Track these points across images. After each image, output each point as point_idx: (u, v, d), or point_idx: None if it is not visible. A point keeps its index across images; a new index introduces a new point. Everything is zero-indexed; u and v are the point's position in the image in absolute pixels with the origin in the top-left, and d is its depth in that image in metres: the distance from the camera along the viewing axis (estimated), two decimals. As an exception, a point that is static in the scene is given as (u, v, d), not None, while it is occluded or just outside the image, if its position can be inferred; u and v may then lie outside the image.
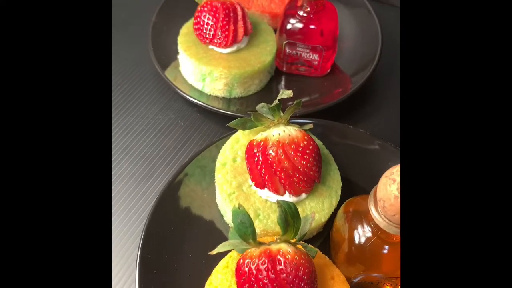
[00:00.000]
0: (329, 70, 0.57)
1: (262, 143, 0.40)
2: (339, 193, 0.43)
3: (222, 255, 0.37)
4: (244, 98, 0.54)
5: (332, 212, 0.42)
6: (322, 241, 0.43)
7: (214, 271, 0.37)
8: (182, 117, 0.55)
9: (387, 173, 0.30)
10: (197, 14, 0.52)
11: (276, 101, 0.40)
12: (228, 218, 0.43)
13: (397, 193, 0.29)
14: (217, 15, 0.51)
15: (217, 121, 0.53)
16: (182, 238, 0.42)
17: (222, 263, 0.37)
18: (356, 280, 0.37)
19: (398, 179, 0.29)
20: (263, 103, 0.41)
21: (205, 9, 0.51)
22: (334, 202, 0.42)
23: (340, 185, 0.43)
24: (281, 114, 0.41)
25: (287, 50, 0.55)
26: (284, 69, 0.57)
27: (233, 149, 0.44)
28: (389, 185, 0.29)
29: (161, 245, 0.41)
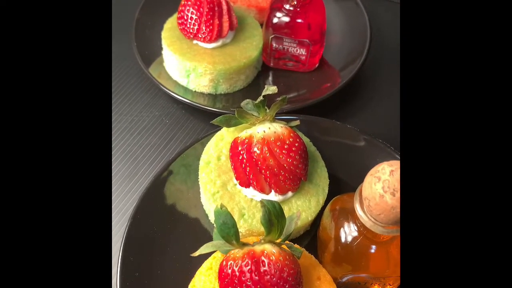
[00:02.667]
0: (317, 65, 0.56)
1: (247, 140, 0.39)
2: (326, 191, 0.42)
3: (207, 256, 0.36)
4: (230, 95, 0.53)
5: (320, 211, 0.41)
6: (310, 240, 0.43)
7: (197, 272, 0.36)
8: (166, 115, 0.53)
9: (372, 171, 0.29)
10: (180, 8, 0.51)
11: (261, 97, 0.39)
12: (213, 217, 0.42)
13: (382, 192, 0.28)
14: (201, 9, 0.49)
15: (202, 118, 0.52)
16: (166, 238, 0.41)
17: (206, 264, 0.36)
18: (343, 280, 0.36)
19: (383, 177, 0.28)
20: (247, 100, 0.40)
21: (189, 3, 0.50)
22: (321, 200, 0.41)
23: (328, 182, 0.42)
24: (267, 110, 0.40)
25: (274, 45, 0.53)
26: (272, 64, 0.56)
27: (218, 147, 0.43)
28: (374, 184, 0.28)
29: (144, 246, 0.40)
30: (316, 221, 0.42)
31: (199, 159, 0.43)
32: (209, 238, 0.42)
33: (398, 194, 0.27)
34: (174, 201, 0.43)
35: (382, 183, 0.28)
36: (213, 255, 0.37)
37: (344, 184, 0.44)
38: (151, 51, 0.55)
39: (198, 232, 0.42)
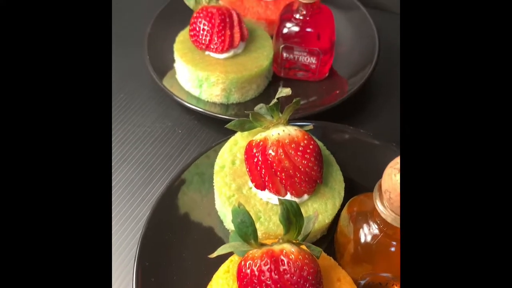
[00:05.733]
0: (327, 74, 0.57)
1: (262, 143, 0.39)
2: (342, 194, 0.41)
3: (222, 261, 0.36)
4: (242, 104, 0.54)
5: (336, 214, 0.40)
6: (327, 245, 0.42)
7: (214, 276, 0.35)
8: (179, 125, 0.54)
9: (391, 163, 0.29)
10: (192, 20, 0.52)
11: (275, 100, 0.39)
12: (228, 223, 0.42)
13: (404, 183, 0.27)
14: (213, 21, 0.51)
15: (215, 128, 0.53)
16: (180, 244, 0.41)
17: (223, 267, 0.36)
18: (363, 281, 0.36)
19: (403, 168, 0.28)
20: (261, 104, 0.40)
21: (201, 15, 0.51)
22: (338, 203, 0.40)
23: (343, 186, 0.42)
24: (280, 114, 0.40)
25: (285, 55, 0.54)
26: (282, 74, 0.57)
27: (232, 152, 0.43)
28: (394, 175, 0.28)
29: (159, 252, 0.40)
30: (333, 226, 0.41)
31: (212, 167, 0.43)
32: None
33: (419, 184, 0.27)
34: (188, 208, 0.43)
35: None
36: (230, 258, 0.36)
37: (360, 187, 0.44)
38: (164, 64, 0.56)
39: (213, 238, 0.42)
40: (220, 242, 0.42)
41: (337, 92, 0.54)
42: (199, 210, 0.43)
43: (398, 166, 0.28)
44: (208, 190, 0.44)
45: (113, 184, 0.48)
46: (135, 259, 0.38)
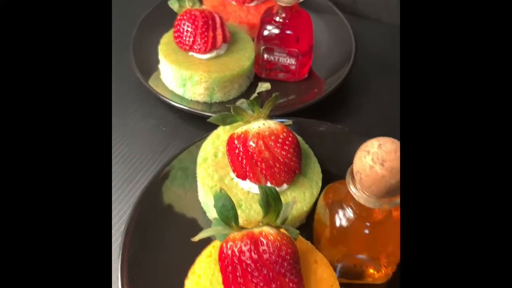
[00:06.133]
0: (306, 75, 0.59)
1: (243, 135, 0.41)
2: (320, 184, 0.43)
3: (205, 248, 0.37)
4: (224, 103, 0.56)
5: (314, 203, 0.42)
6: (306, 234, 0.43)
7: (197, 260, 0.37)
8: (164, 123, 0.55)
9: (361, 147, 0.31)
10: (176, 22, 0.54)
11: (255, 94, 0.41)
12: (211, 213, 0.43)
13: (372, 163, 0.30)
14: (196, 23, 0.53)
15: (198, 125, 0.54)
16: (164, 235, 0.42)
17: (205, 252, 0.37)
18: (340, 264, 0.37)
19: (372, 150, 0.30)
20: (242, 99, 0.43)
21: (185, 17, 0.53)
22: (315, 192, 0.42)
23: (321, 176, 0.44)
24: (260, 109, 0.42)
25: (265, 56, 0.57)
26: (264, 75, 0.59)
27: (214, 145, 0.44)
28: (364, 157, 0.30)
29: (144, 242, 0.41)
30: (311, 216, 0.43)
31: (195, 162, 0.44)
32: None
33: (387, 164, 0.29)
34: (172, 201, 0.45)
35: (372, 155, 0.30)
36: (212, 243, 0.38)
37: (336, 178, 0.45)
38: (149, 66, 0.58)
39: (196, 228, 0.43)
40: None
41: (315, 91, 0.56)
42: (183, 202, 0.45)
43: (368, 148, 0.30)
44: (191, 184, 0.46)
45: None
46: (120, 249, 0.39)
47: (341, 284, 0.35)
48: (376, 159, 0.29)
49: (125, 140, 0.53)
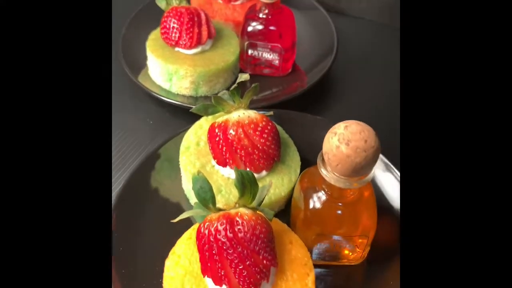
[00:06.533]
0: (290, 70, 0.61)
1: (223, 124, 0.42)
2: (298, 171, 0.45)
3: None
4: (210, 97, 0.57)
5: (292, 189, 0.44)
6: (284, 222, 0.45)
7: (177, 242, 0.38)
8: (151, 117, 0.57)
9: (330, 129, 0.33)
10: (163, 19, 0.56)
11: (235, 85, 0.43)
12: (193, 199, 0.45)
13: (338, 143, 0.31)
14: (182, 19, 0.55)
15: (184, 118, 0.56)
16: (149, 219, 0.44)
17: (185, 235, 0.39)
18: (316, 246, 0.39)
19: (338, 131, 0.32)
20: (224, 91, 0.44)
21: (171, 14, 0.55)
22: (294, 179, 0.44)
23: (299, 164, 0.46)
24: (240, 99, 0.44)
25: (249, 51, 0.58)
26: (249, 70, 0.61)
27: (197, 135, 0.46)
28: (331, 138, 0.32)
29: (128, 225, 0.42)
30: (290, 202, 0.45)
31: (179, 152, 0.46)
32: (190, 221, 0.44)
33: (352, 144, 0.31)
34: (157, 188, 0.46)
35: (338, 136, 0.32)
36: (192, 227, 0.39)
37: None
38: (137, 62, 0.60)
39: (179, 213, 0.45)
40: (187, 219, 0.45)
41: (298, 84, 0.58)
42: (167, 190, 0.47)
43: (335, 130, 0.32)
44: (176, 173, 0.48)
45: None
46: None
47: (318, 266, 0.37)
48: (342, 139, 0.31)
49: (113, 132, 0.55)
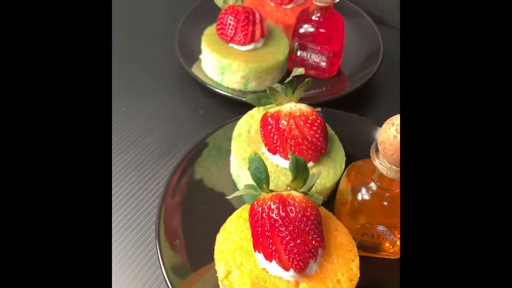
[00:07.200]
0: (335, 73, 0.63)
1: (276, 114, 0.45)
2: (343, 166, 0.47)
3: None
4: (257, 92, 0.60)
5: (337, 181, 0.46)
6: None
7: (228, 219, 0.40)
8: (201, 107, 0.60)
9: (387, 121, 0.35)
10: (220, 16, 0.59)
11: (290, 78, 0.45)
12: (241, 183, 0.47)
13: (396, 133, 0.33)
14: (238, 17, 0.58)
15: (233, 110, 0.59)
16: (196, 199, 0.46)
17: (235, 214, 0.41)
18: (358, 238, 0.40)
19: (396, 122, 0.33)
20: (277, 84, 0.47)
21: (228, 11, 0.58)
22: (339, 172, 0.46)
23: (344, 160, 0.47)
24: (292, 93, 0.46)
25: (299, 52, 0.61)
26: (295, 71, 0.63)
27: (248, 123, 0.49)
28: (389, 128, 0.34)
29: (179, 209, 0.45)
30: (333, 196, 0.46)
31: (228, 141, 0.49)
32: (234, 207, 0.46)
33: (408, 135, 0.33)
34: (206, 172, 0.49)
35: (395, 127, 0.33)
36: (242, 207, 0.41)
37: (359, 162, 0.49)
38: (191, 55, 0.63)
39: (226, 200, 0.47)
40: (232, 201, 0.47)
41: (342, 87, 0.60)
42: (216, 174, 0.49)
43: (392, 121, 0.34)
44: (224, 160, 0.50)
45: (138, 152, 0.54)
46: (158, 206, 0.43)
47: (360, 256, 0.38)
48: (399, 130, 0.33)
49: (166, 118, 0.58)
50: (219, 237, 0.39)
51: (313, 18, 0.59)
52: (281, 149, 0.45)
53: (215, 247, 0.39)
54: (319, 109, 0.51)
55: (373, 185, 0.39)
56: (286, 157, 0.45)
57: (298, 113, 0.44)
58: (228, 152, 0.50)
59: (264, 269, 0.37)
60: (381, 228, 0.39)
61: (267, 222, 0.36)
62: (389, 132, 0.33)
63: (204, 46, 0.60)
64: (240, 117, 0.51)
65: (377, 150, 0.36)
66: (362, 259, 0.39)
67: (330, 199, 0.48)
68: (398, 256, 0.42)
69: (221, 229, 0.40)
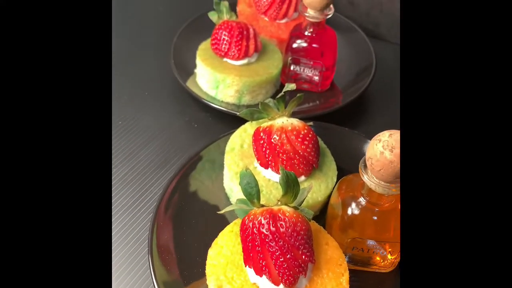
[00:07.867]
0: (328, 87, 0.64)
1: (268, 128, 0.45)
2: (335, 179, 0.47)
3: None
4: (251, 106, 0.61)
5: (328, 195, 0.46)
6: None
7: (219, 234, 0.41)
8: (195, 120, 0.61)
9: (374, 137, 0.35)
10: (215, 31, 0.60)
11: (282, 93, 0.46)
12: (234, 197, 0.47)
13: (382, 149, 0.34)
14: (232, 32, 0.59)
15: (227, 124, 0.59)
16: (191, 214, 0.46)
17: (227, 228, 0.41)
18: (349, 250, 0.41)
19: (383, 138, 0.34)
20: (269, 99, 0.47)
21: (222, 27, 0.59)
22: (330, 186, 0.46)
23: (336, 173, 0.48)
24: (284, 107, 0.47)
25: (292, 67, 0.62)
26: (289, 84, 0.64)
27: (241, 137, 0.49)
28: (376, 144, 0.34)
29: (172, 221, 0.45)
30: (324, 210, 0.47)
31: (222, 155, 0.49)
32: (230, 215, 0.47)
33: (396, 151, 0.33)
34: (199, 186, 0.49)
35: (382, 143, 0.34)
36: (234, 221, 0.42)
37: (351, 176, 0.50)
38: (185, 69, 0.64)
39: (219, 210, 0.48)
40: (226, 215, 0.47)
41: (335, 101, 0.61)
42: (209, 188, 0.50)
43: (380, 137, 0.34)
44: (217, 174, 0.51)
45: (133, 165, 0.54)
46: (151, 220, 0.44)
47: (350, 270, 0.38)
48: (386, 146, 0.34)
49: (160, 132, 0.59)
50: (211, 252, 0.39)
51: (306, 33, 0.60)
52: (273, 164, 0.45)
53: (207, 261, 0.39)
54: (311, 123, 0.51)
55: (362, 200, 0.39)
56: (278, 172, 0.45)
57: (289, 128, 0.45)
58: (221, 166, 0.50)
59: (254, 284, 0.37)
60: (371, 242, 0.40)
61: (258, 237, 0.36)
62: (376, 148, 0.34)
63: (198, 61, 0.61)
64: (234, 131, 0.51)
65: (365, 166, 0.37)
66: (353, 272, 0.39)
67: (322, 213, 0.48)
68: (389, 269, 0.43)
69: (213, 244, 0.40)
